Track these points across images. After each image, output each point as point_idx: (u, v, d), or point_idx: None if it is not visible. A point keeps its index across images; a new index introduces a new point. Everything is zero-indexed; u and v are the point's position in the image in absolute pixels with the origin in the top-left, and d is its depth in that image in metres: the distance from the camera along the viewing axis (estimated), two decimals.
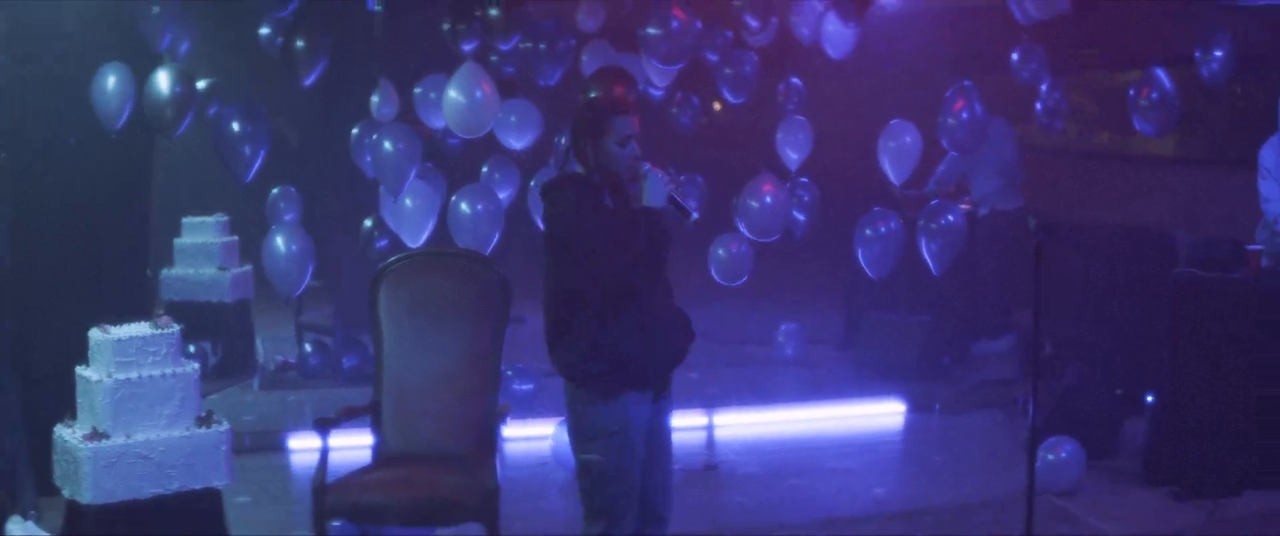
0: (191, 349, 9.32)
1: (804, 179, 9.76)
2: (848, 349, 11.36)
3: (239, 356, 10.72)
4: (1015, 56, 9.58)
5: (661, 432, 5.70)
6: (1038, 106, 9.73)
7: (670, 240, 5.52)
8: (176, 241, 10.72)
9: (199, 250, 10.64)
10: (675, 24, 8.54)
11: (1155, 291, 8.64)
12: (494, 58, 9.60)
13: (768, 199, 8.97)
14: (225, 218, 10.92)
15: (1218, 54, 9.36)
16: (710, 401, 9.45)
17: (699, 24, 8.86)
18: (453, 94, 8.22)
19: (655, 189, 5.43)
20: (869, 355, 10.76)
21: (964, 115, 8.90)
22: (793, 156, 9.54)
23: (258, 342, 11.17)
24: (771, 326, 11.44)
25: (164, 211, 9.71)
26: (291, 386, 10.40)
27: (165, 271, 10.60)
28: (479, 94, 8.19)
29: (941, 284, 9.77)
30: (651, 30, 8.62)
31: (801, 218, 9.79)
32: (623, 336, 5.43)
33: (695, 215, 5.50)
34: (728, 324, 11.39)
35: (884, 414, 9.75)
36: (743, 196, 9.05)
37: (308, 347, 10.60)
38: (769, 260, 9.76)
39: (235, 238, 10.89)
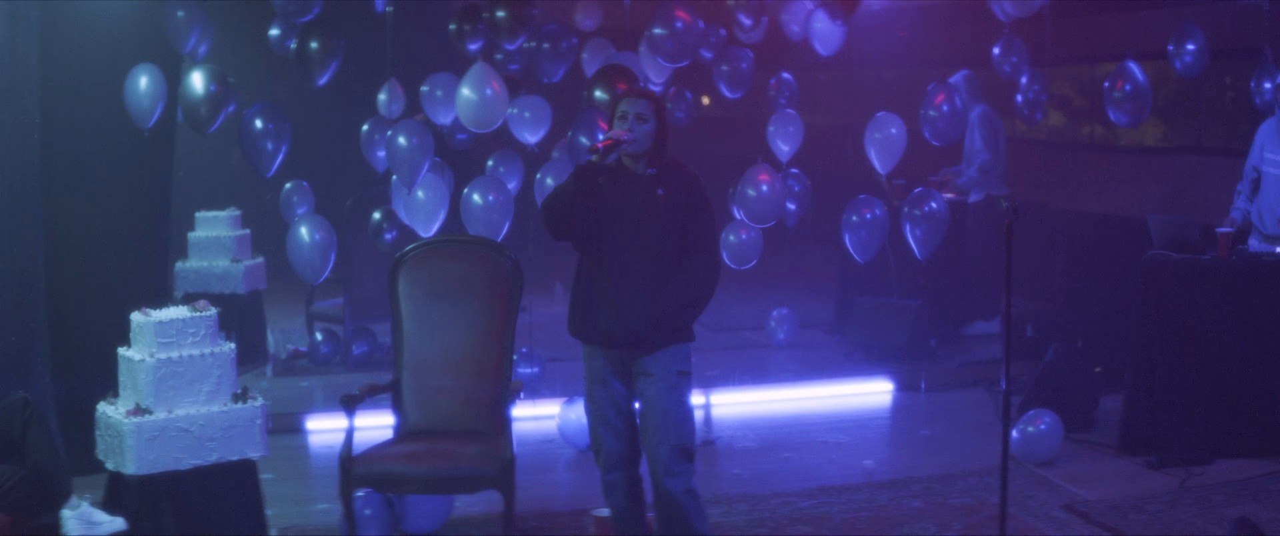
0: None
1: (795, 170, 10.06)
2: (839, 333, 11.65)
3: (252, 346, 10.89)
4: (996, 51, 9.86)
5: (651, 402, 6.11)
6: (1018, 98, 9.96)
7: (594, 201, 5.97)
8: (190, 235, 10.89)
9: (212, 243, 10.82)
10: (679, 24, 8.87)
11: (1131, 273, 8.83)
12: (499, 56, 9.86)
13: (764, 187, 9.32)
14: (237, 211, 11.12)
15: (1190, 47, 9.60)
16: (708, 382, 9.70)
17: (702, 24, 9.17)
18: (465, 92, 8.51)
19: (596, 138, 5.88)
20: (859, 338, 11.00)
21: (944, 108, 9.20)
22: (784, 148, 9.87)
23: (268, 333, 11.37)
24: (765, 312, 11.74)
25: (177, 206, 9.97)
26: (303, 373, 10.67)
27: (180, 264, 10.76)
28: (489, 91, 8.50)
29: (929, 269, 10.06)
30: (658, 30, 8.94)
31: (793, 207, 10.09)
32: (584, 297, 6.10)
33: (588, 154, 5.95)
34: (723, 310, 11.67)
35: (873, 392, 10.05)
36: (741, 185, 9.38)
37: (318, 336, 10.79)
38: (762, 248, 10.07)
39: (247, 231, 11.10)
